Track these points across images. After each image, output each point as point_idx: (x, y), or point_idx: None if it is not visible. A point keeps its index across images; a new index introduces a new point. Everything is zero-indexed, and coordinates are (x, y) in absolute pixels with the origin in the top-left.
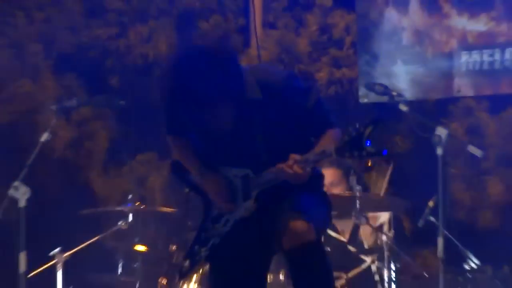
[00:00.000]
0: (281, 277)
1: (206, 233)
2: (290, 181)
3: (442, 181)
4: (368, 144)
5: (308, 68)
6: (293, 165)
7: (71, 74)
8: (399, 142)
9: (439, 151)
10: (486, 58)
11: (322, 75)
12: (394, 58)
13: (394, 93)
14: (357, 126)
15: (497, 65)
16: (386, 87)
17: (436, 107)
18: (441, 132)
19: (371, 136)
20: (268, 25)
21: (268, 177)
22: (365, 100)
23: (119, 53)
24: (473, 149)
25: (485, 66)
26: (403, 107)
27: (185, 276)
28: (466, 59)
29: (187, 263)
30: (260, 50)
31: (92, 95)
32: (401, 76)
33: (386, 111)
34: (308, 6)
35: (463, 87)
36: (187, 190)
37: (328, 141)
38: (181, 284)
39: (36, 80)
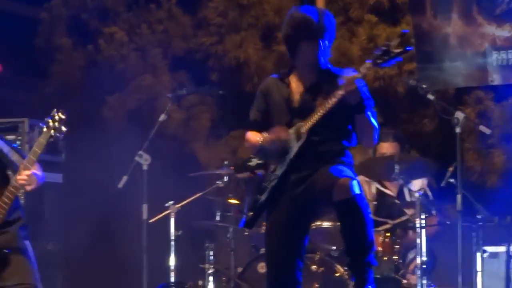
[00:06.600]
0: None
1: (265, 182)
2: (349, 99)
3: (459, 152)
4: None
5: (359, 68)
6: (347, 84)
7: (182, 70)
8: (427, 123)
9: (457, 130)
10: (510, 56)
11: (369, 73)
12: (443, 57)
13: (424, 86)
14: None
15: None
16: (418, 80)
17: (455, 97)
18: (459, 115)
19: (398, 46)
20: None
21: (313, 117)
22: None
23: (218, 56)
24: (483, 128)
25: (510, 62)
26: (431, 96)
27: (249, 225)
28: (496, 57)
29: (250, 213)
30: None
31: (197, 86)
32: (448, 70)
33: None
34: (359, 22)
35: (494, 78)
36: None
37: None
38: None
39: (156, 75)
